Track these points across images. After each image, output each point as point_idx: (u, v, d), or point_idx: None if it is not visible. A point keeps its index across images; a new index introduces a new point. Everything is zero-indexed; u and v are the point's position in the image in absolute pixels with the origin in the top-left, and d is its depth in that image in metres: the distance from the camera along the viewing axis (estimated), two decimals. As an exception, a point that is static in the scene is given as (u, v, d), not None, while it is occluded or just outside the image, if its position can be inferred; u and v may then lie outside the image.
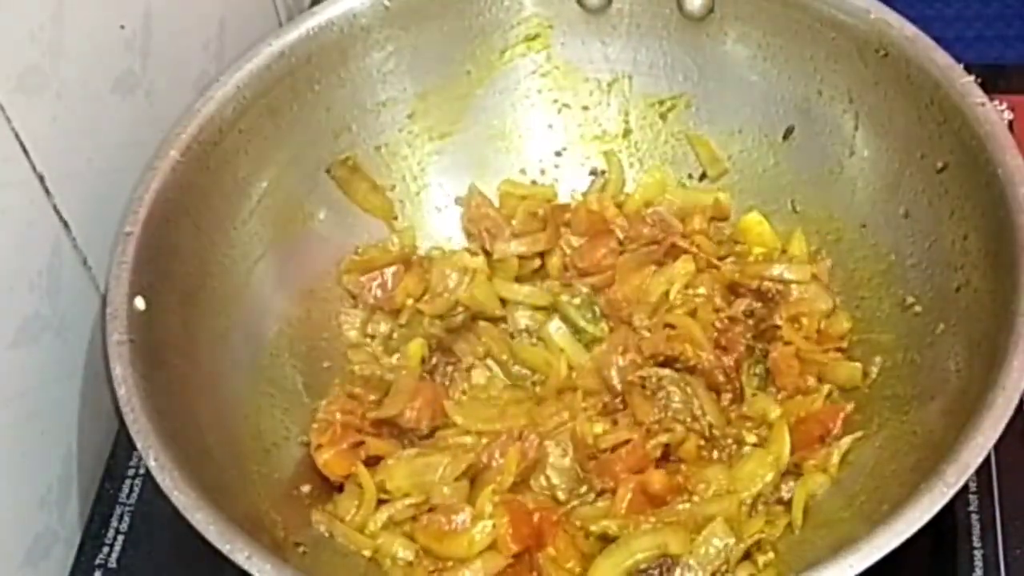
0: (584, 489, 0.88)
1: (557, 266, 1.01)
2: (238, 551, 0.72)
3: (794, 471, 0.87)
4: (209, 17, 1.04)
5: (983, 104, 0.85)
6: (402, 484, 0.88)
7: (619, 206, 1.03)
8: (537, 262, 1.01)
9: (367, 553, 0.86)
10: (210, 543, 0.73)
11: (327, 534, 0.87)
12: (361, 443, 0.90)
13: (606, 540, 0.85)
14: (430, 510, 0.87)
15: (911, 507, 0.70)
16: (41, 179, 0.84)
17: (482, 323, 0.99)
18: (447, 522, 0.85)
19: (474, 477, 0.89)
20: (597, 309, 0.98)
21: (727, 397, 0.93)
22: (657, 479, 0.86)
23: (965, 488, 0.76)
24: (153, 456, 0.75)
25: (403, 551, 0.86)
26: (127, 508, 0.92)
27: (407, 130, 1.03)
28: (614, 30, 1.02)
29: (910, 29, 0.90)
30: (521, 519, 0.85)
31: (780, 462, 0.87)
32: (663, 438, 0.87)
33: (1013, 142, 0.83)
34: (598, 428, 0.89)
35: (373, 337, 0.99)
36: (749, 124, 1.01)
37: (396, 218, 1.04)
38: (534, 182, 1.06)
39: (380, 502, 0.88)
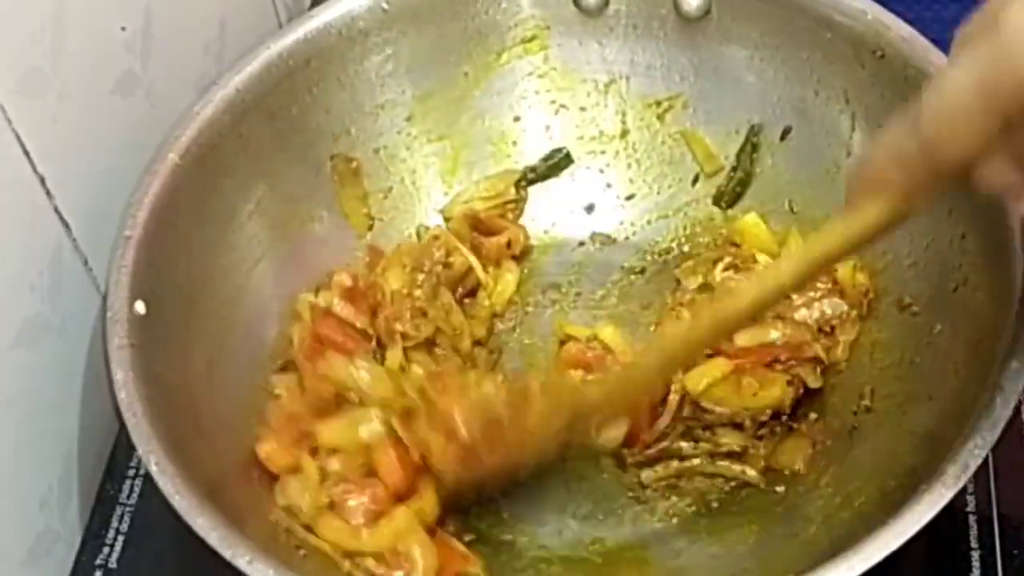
0: None
1: None
2: (240, 556, 0.72)
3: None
4: (210, 19, 1.04)
5: (980, 105, 0.85)
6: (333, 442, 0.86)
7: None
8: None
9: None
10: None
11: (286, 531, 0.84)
12: (306, 435, 0.87)
13: None
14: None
15: (911, 507, 0.70)
16: (42, 180, 0.84)
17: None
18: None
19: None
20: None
21: None
22: None
23: (964, 489, 0.76)
24: (154, 460, 0.75)
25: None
26: (127, 508, 0.93)
27: (406, 132, 1.03)
28: (611, 31, 1.02)
29: (907, 30, 0.90)
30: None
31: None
32: None
33: (1010, 143, 0.83)
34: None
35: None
36: (746, 125, 1.01)
37: (371, 227, 1.02)
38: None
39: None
